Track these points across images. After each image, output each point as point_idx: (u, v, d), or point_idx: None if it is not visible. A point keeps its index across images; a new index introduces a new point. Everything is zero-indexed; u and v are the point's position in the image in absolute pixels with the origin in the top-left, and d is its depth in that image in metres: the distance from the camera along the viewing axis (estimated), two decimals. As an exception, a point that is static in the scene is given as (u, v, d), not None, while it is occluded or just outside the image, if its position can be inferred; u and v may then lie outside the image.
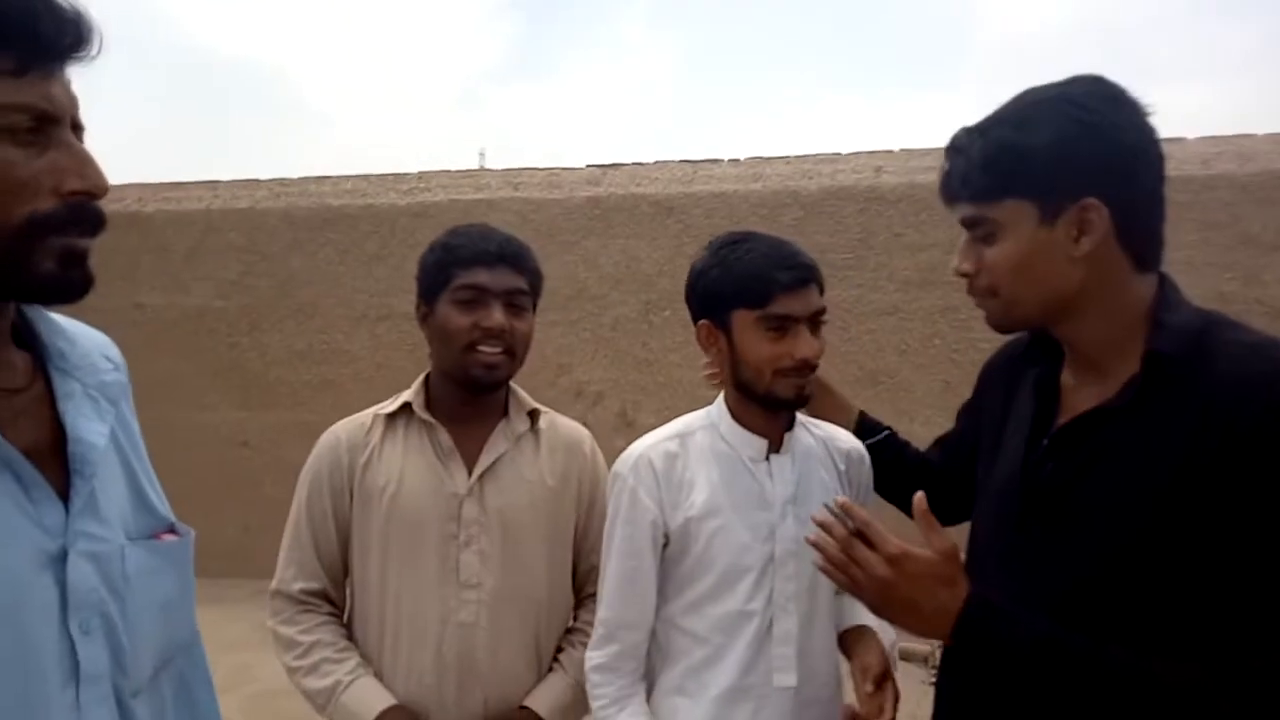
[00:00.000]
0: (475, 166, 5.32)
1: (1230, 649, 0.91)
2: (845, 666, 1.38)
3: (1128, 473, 0.98)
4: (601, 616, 1.35)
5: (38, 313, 0.83)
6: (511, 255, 1.45)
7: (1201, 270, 4.00)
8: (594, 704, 1.32)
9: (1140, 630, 0.96)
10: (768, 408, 1.32)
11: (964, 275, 1.09)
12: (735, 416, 1.35)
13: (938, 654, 1.23)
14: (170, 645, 0.85)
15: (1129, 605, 0.97)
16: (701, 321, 1.35)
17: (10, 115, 0.71)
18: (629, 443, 1.40)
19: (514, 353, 1.45)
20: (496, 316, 1.41)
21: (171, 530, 0.87)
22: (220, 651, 4.62)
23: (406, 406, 1.48)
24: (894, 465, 1.48)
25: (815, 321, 1.30)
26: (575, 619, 1.55)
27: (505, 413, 1.51)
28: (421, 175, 5.25)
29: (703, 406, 1.43)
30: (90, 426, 0.80)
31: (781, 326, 1.26)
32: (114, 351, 0.88)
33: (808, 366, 1.28)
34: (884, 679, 1.28)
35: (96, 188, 0.76)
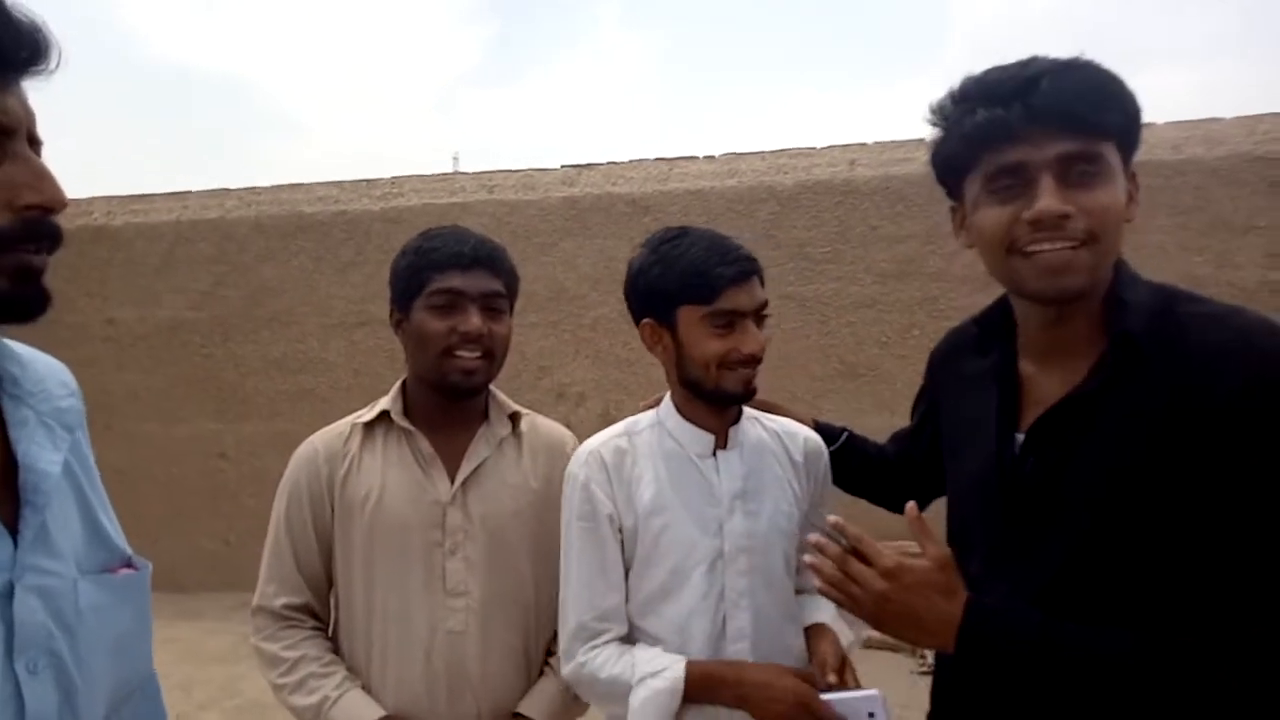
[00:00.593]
0: (450, 170, 5.29)
1: (1223, 619, 0.91)
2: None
3: (1109, 456, 0.97)
4: (574, 626, 1.30)
5: None
6: (486, 257, 1.42)
7: (1173, 254, 4.05)
8: (600, 677, 1.26)
9: (1131, 610, 0.96)
10: (715, 403, 1.31)
11: (1060, 216, 0.95)
12: (682, 413, 1.34)
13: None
14: (125, 683, 0.81)
15: (1121, 587, 0.97)
16: (645, 321, 1.33)
17: None
18: (615, 444, 1.38)
19: (493, 356, 1.42)
20: (474, 321, 1.38)
21: (128, 564, 0.84)
22: (203, 665, 4.60)
23: (385, 415, 1.46)
24: (859, 464, 1.49)
25: (759, 315, 1.29)
26: None
27: (486, 417, 1.49)
28: (395, 180, 5.21)
29: (794, 416, 1.45)
30: (43, 455, 0.77)
31: (729, 322, 1.25)
32: (69, 378, 0.85)
33: (755, 360, 1.28)
34: (842, 668, 1.28)
35: (53, 202, 0.73)
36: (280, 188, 5.34)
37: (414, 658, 1.37)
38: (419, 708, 1.36)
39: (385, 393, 1.50)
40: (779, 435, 1.40)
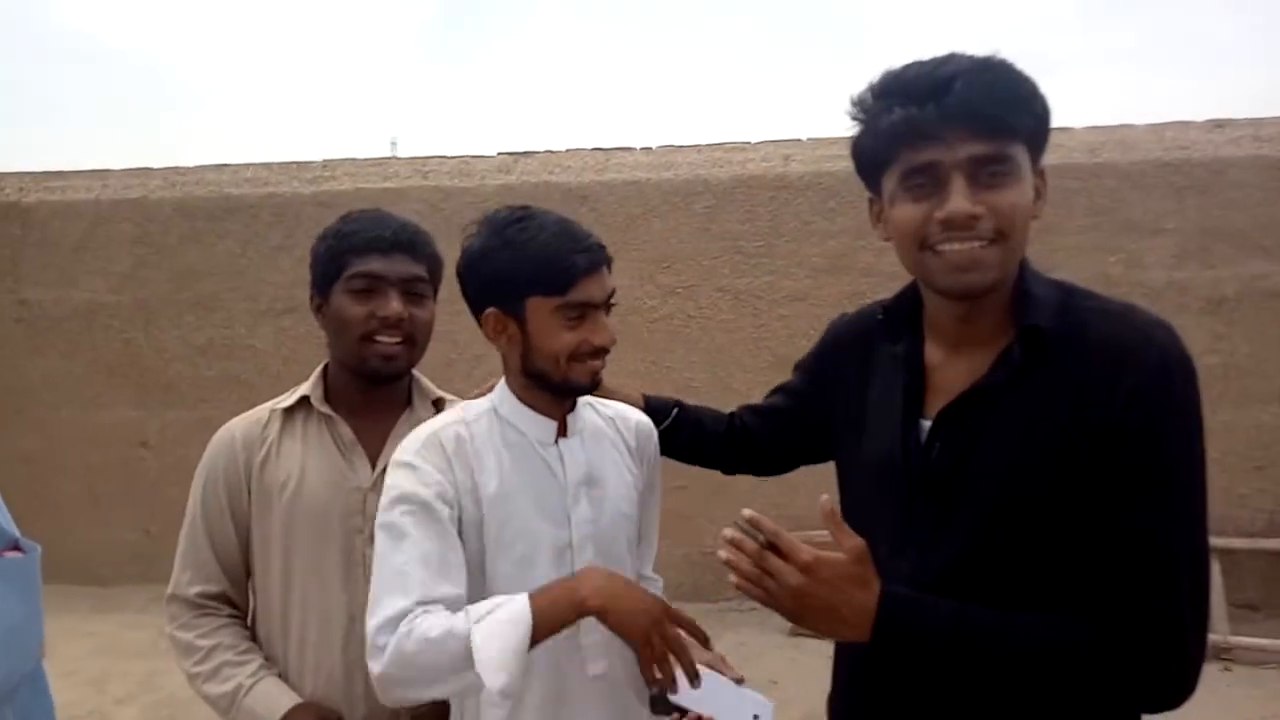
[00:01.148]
0: (388, 155, 5.21)
1: (1122, 601, 0.96)
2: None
3: (1015, 445, 1.02)
4: (390, 614, 1.10)
5: None
6: (407, 241, 1.41)
7: (1088, 253, 4.22)
8: (430, 637, 1.07)
9: (1024, 592, 1.00)
10: (560, 394, 1.27)
11: (969, 217, 0.99)
12: (522, 400, 1.28)
13: None
14: (12, 675, 0.76)
15: (1024, 572, 1.01)
16: (489, 311, 1.23)
17: None
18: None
19: (414, 341, 1.41)
20: (393, 305, 1.37)
21: (15, 547, 0.79)
22: (121, 660, 4.48)
23: (304, 400, 1.44)
24: (690, 435, 1.47)
25: (609, 306, 1.25)
26: None
27: (409, 403, 1.48)
28: (327, 164, 5.11)
29: (622, 395, 1.43)
30: None
31: (581, 314, 1.21)
32: None
33: (605, 352, 1.24)
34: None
35: None
36: (205, 168, 5.18)
37: (333, 645, 1.37)
38: (337, 695, 1.36)
39: None
40: (613, 420, 1.38)
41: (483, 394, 1.35)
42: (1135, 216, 4.26)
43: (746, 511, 1.03)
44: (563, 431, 1.29)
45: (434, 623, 1.08)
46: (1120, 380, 0.96)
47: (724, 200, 4.62)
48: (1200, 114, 4.45)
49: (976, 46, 1.04)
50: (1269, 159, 4.19)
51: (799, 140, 4.77)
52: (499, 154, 5.01)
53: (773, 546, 1.01)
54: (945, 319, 1.11)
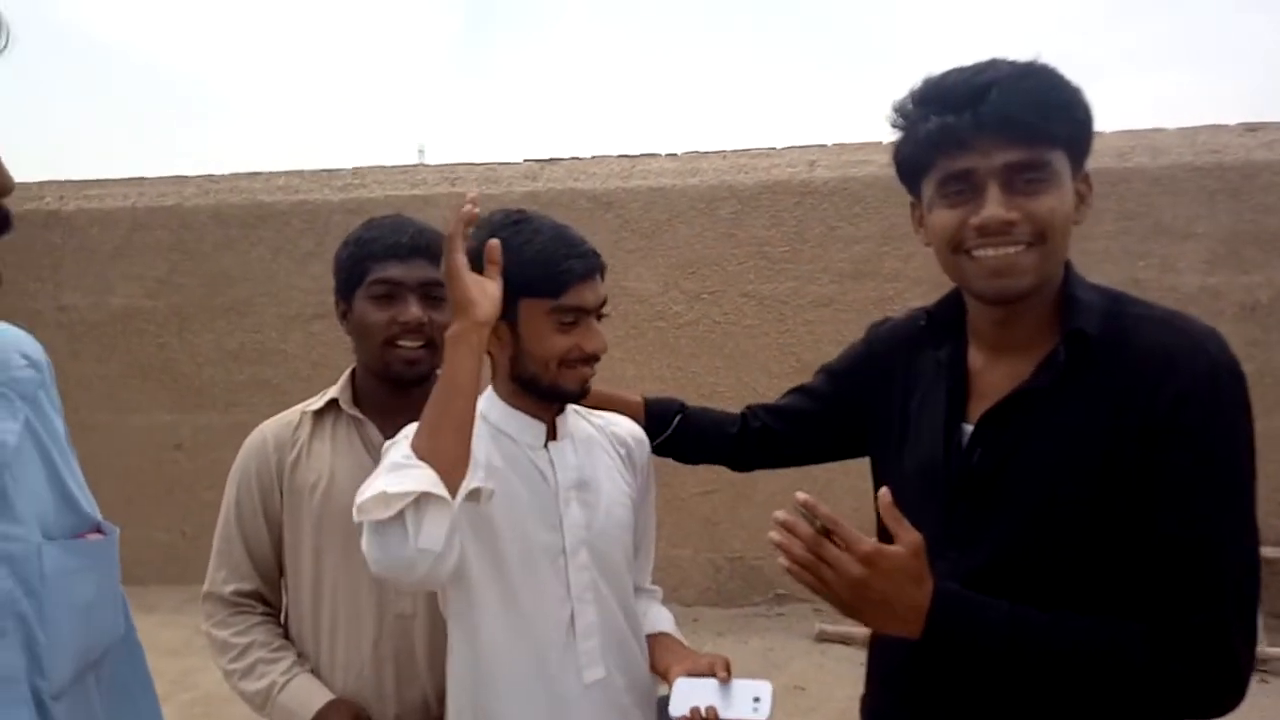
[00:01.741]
0: (414, 163, 5.27)
1: (1171, 607, 0.96)
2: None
3: (1057, 449, 1.02)
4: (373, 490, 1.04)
5: None
6: (425, 246, 1.42)
7: (1118, 259, 4.18)
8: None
9: (1068, 599, 1.00)
10: (548, 400, 1.26)
11: (1003, 223, 1.00)
12: (510, 404, 1.27)
13: None
14: (94, 647, 0.82)
15: (1060, 576, 1.01)
16: None
17: None
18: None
19: (436, 345, 1.42)
20: (413, 311, 1.39)
21: (98, 530, 0.85)
22: (158, 658, 4.53)
23: (334, 403, 1.48)
24: (701, 437, 1.46)
25: (600, 314, 1.25)
26: None
27: None
28: (356, 171, 5.18)
29: (621, 399, 1.43)
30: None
31: (574, 319, 1.21)
32: (31, 347, 0.86)
33: (596, 359, 1.24)
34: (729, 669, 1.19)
35: None
36: (239, 175, 5.27)
37: (363, 641, 1.39)
38: (368, 691, 1.38)
39: None
40: (603, 428, 1.38)
41: None
42: (1166, 221, 4.21)
43: (801, 495, 1.00)
44: (553, 435, 1.29)
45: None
46: (1166, 385, 0.96)
47: (749, 206, 4.63)
48: (1233, 117, 4.38)
49: (1006, 50, 1.04)
50: (1304, 162, 4.13)
51: (824, 146, 4.76)
52: (525, 161, 5.05)
53: (828, 534, 0.98)
54: (986, 324, 1.12)
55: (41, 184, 5.38)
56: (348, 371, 1.52)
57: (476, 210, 1.13)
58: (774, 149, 4.81)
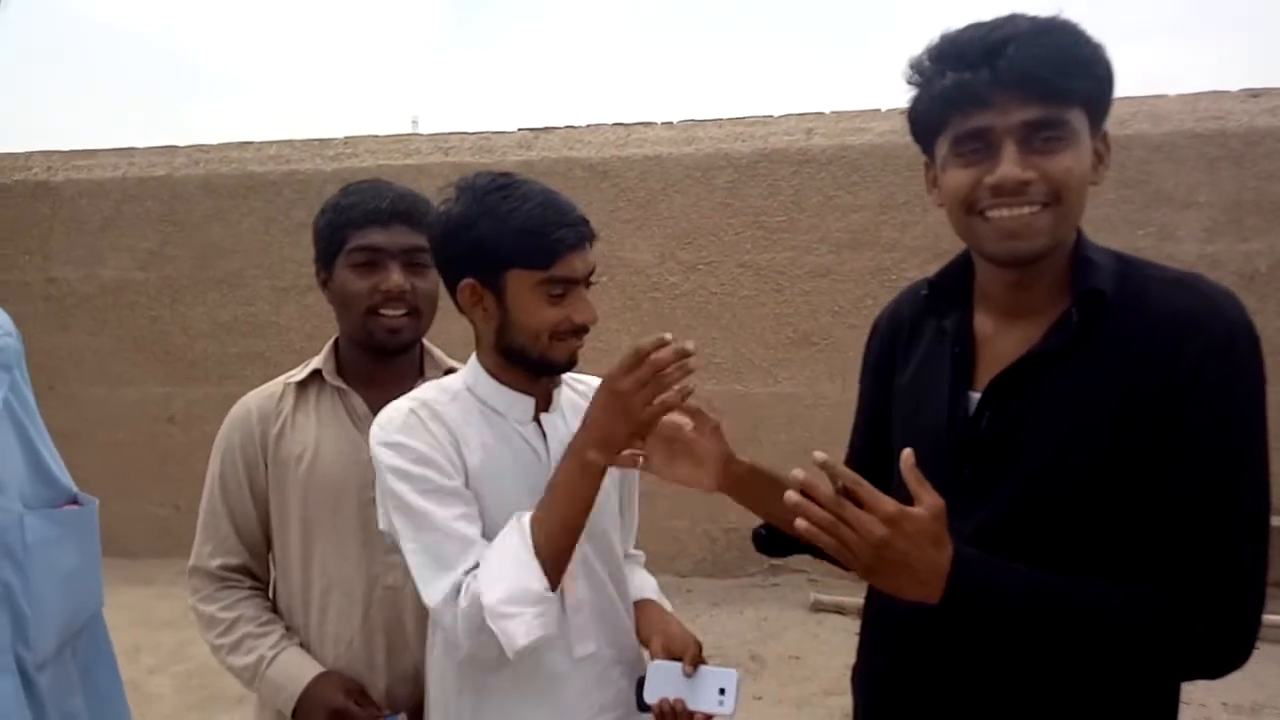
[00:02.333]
0: (407, 132, 5.20)
1: (1184, 569, 0.95)
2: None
3: (1069, 411, 1.00)
4: (448, 589, 1.11)
5: None
6: (405, 211, 1.39)
7: (1119, 227, 4.15)
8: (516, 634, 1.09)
9: (1071, 562, 0.99)
10: (537, 373, 1.23)
11: (1019, 182, 0.97)
12: (497, 378, 1.23)
13: None
14: (75, 618, 0.82)
15: (1064, 539, 1.00)
16: (466, 281, 1.18)
17: None
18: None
19: (419, 312, 1.40)
20: (394, 278, 1.36)
21: (74, 501, 0.84)
22: (153, 630, 4.56)
23: (317, 373, 1.45)
24: (786, 537, 1.35)
25: (589, 283, 1.20)
26: None
27: (421, 374, 1.49)
28: (348, 140, 5.12)
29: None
30: None
31: (564, 290, 1.16)
32: (5, 319, 0.84)
33: (585, 330, 1.20)
34: (699, 657, 1.22)
35: None
36: (229, 145, 5.21)
37: (353, 613, 1.38)
38: (358, 663, 1.38)
39: None
40: (588, 395, 1.30)
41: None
42: (1167, 189, 4.18)
43: (819, 455, 0.97)
44: (545, 407, 1.26)
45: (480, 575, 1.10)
46: (1185, 347, 0.95)
47: (746, 175, 4.58)
48: (1235, 83, 4.34)
49: (1035, 6, 1.01)
50: (1306, 129, 4.09)
51: (822, 114, 4.71)
52: (520, 130, 4.99)
53: (848, 494, 0.96)
54: (998, 287, 1.09)
55: (29, 154, 5.31)
56: (331, 341, 1.49)
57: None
58: (771, 117, 4.76)
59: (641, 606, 1.36)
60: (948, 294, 1.16)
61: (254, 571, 1.46)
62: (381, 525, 1.20)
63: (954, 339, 1.12)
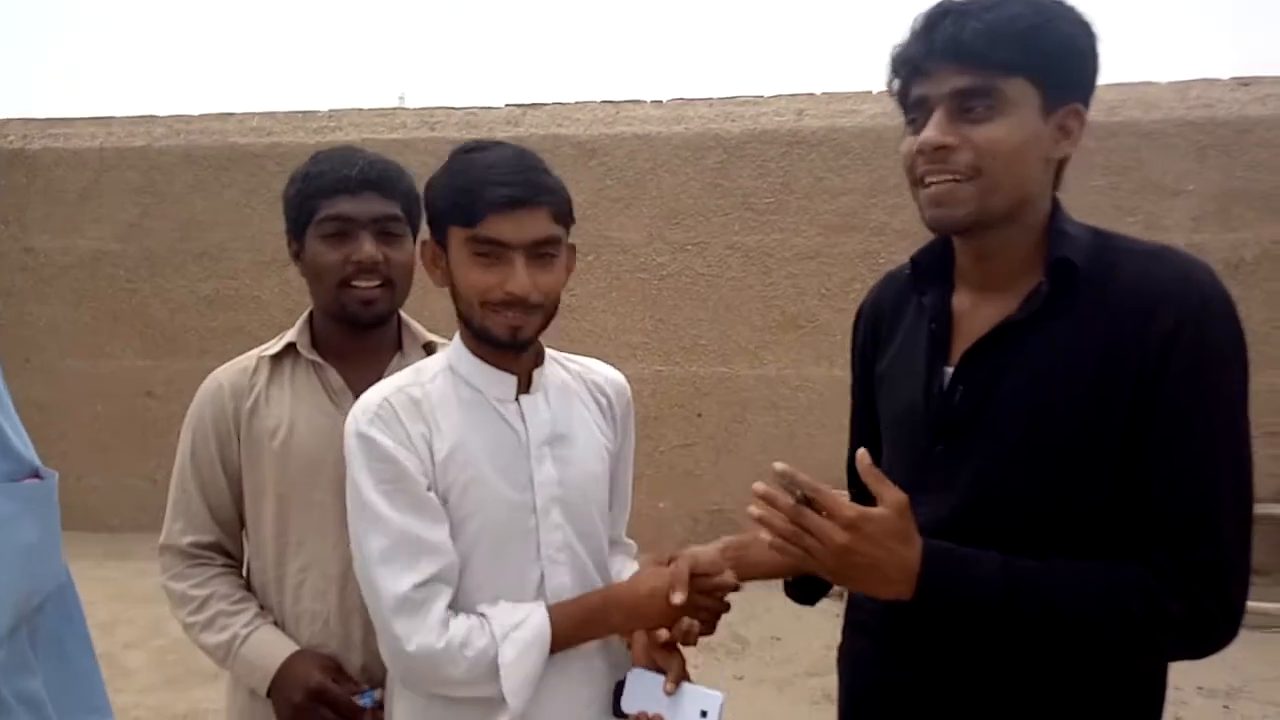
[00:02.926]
0: (393, 106, 5.13)
1: (1166, 546, 0.94)
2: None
3: (1038, 382, 0.99)
4: (392, 602, 1.10)
5: None
6: (376, 179, 1.34)
7: (1106, 214, 4.15)
8: (467, 655, 1.10)
9: (1048, 540, 0.98)
10: (489, 346, 1.18)
11: (941, 149, 0.98)
12: (477, 355, 1.20)
13: None
14: (33, 594, 0.80)
15: (1040, 514, 0.99)
16: (424, 239, 1.20)
17: None
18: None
19: (393, 284, 1.37)
20: (366, 249, 1.32)
21: (35, 475, 0.81)
22: (129, 605, 4.53)
23: (291, 347, 1.42)
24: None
25: (539, 253, 1.13)
26: None
27: (399, 347, 1.45)
28: (332, 114, 5.04)
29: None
30: None
31: (491, 252, 1.11)
32: None
33: (520, 302, 1.12)
34: (683, 674, 1.20)
35: None
36: (210, 117, 5.12)
37: (328, 593, 1.36)
38: (334, 641, 1.36)
39: None
40: (581, 376, 1.31)
41: None
42: (1155, 177, 4.19)
43: (779, 465, 0.97)
44: (526, 387, 1.22)
45: (469, 632, 1.11)
46: (1157, 319, 0.94)
47: (735, 155, 4.55)
48: (1226, 71, 4.34)
49: None
50: (1295, 119, 4.10)
51: (813, 94, 4.68)
52: (507, 106, 4.94)
53: (808, 502, 0.95)
54: (967, 261, 1.10)
55: (5, 121, 5.21)
56: (305, 314, 1.45)
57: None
58: (762, 97, 4.72)
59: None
60: (929, 271, 1.15)
61: (226, 549, 1.43)
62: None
63: (931, 315, 1.12)
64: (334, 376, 1.39)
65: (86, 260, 5.07)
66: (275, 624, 1.37)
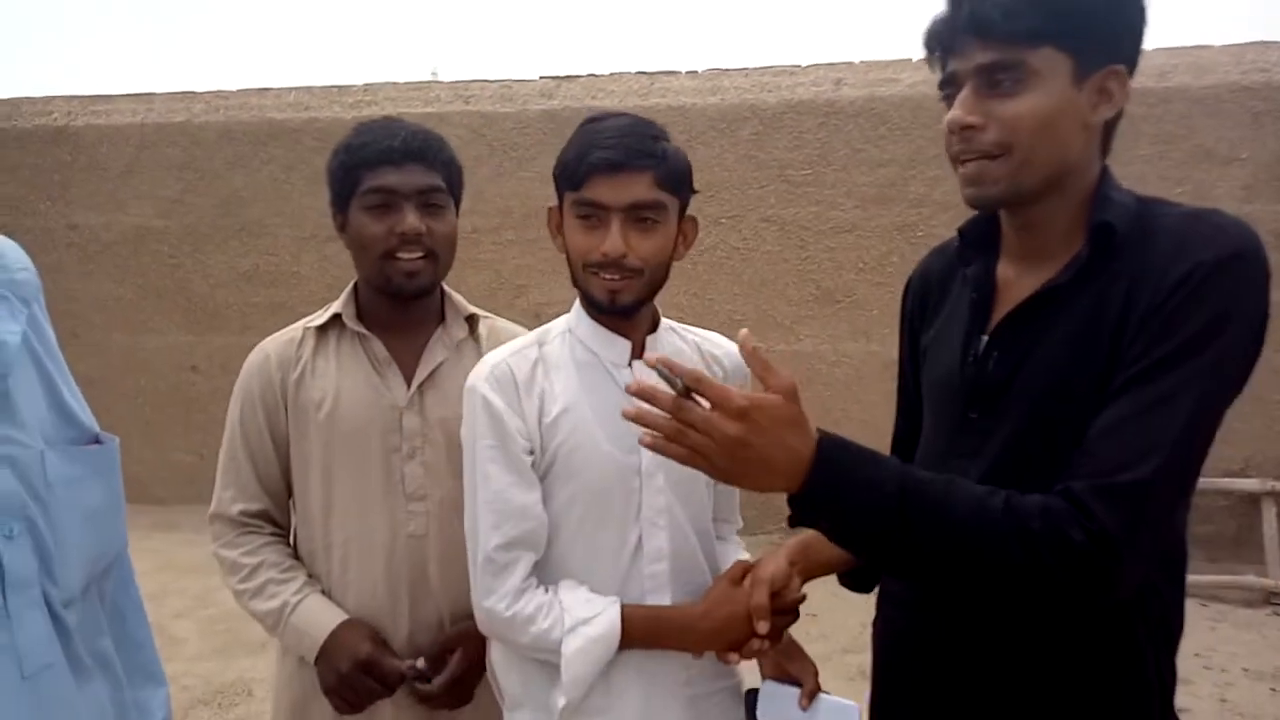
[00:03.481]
0: (427, 80, 5.13)
1: (1085, 473, 0.88)
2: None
3: (1069, 345, 0.97)
4: (482, 559, 1.16)
5: None
6: (419, 150, 1.35)
7: (1154, 184, 4.04)
8: (530, 630, 1.15)
9: None
10: (594, 310, 1.20)
11: (967, 128, 0.97)
12: (594, 318, 1.22)
13: None
14: (101, 556, 0.82)
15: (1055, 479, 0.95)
16: (551, 205, 1.24)
17: None
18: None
19: (436, 256, 1.37)
20: (410, 220, 1.33)
21: (95, 440, 0.83)
22: (179, 576, 4.64)
23: (337, 318, 1.43)
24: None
25: (639, 217, 1.14)
26: None
27: (442, 319, 1.46)
28: (368, 88, 5.05)
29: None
30: (1, 325, 0.75)
31: (592, 214, 1.14)
32: (23, 255, 0.82)
33: (615, 265, 1.14)
34: (817, 687, 1.21)
35: None
36: (248, 92, 5.16)
37: (375, 562, 1.38)
38: (381, 612, 1.37)
39: None
40: (697, 346, 1.32)
41: None
42: (1207, 144, 4.06)
43: (650, 355, 0.90)
44: (639, 353, 1.23)
45: (537, 611, 1.14)
46: (1176, 265, 0.91)
47: (771, 126, 4.49)
48: (1283, 35, 4.18)
49: None
50: (1356, 83, 3.94)
51: (851, 63, 4.59)
52: (541, 78, 4.91)
53: (690, 394, 0.88)
54: (1010, 231, 1.08)
55: (49, 99, 5.29)
56: (350, 285, 1.47)
57: None
58: (798, 67, 4.64)
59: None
60: (975, 243, 1.13)
61: (275, 518, 1.46)
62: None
63: (974, 285, 1.10)
64: (378, 348, 1.41)
65: (130, 236, 5.16)
66: (324, 592, 1.40)
